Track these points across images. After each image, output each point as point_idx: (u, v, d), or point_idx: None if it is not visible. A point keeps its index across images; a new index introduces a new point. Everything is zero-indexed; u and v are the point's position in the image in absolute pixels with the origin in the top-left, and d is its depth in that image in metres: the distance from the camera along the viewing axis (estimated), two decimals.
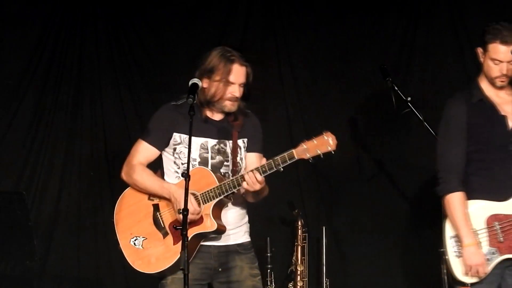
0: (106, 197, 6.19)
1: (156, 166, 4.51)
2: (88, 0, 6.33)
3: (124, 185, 6.41)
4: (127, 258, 4.43)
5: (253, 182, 4.19)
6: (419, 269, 5.84)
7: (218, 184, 4.28)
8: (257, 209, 4.71)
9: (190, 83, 4.28)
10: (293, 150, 4.16)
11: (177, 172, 4.39)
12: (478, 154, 4.39)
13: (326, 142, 4.11)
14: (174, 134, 4.41)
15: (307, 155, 4.13)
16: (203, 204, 4.29)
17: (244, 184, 4.21)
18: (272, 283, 5.83)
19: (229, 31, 6.24)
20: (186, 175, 4.03)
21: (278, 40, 6.18)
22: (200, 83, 4.29)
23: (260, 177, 4.19)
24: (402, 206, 6.00)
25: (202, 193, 4.29)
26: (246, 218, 4.55)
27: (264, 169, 4.20)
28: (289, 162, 4.17)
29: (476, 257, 4.33)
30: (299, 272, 5.82)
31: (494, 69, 4.36)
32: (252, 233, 4.58)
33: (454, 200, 4.38)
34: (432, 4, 6.01)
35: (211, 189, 4.28)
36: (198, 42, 6.23)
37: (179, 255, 4.05)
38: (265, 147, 4.51)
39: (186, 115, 4.22)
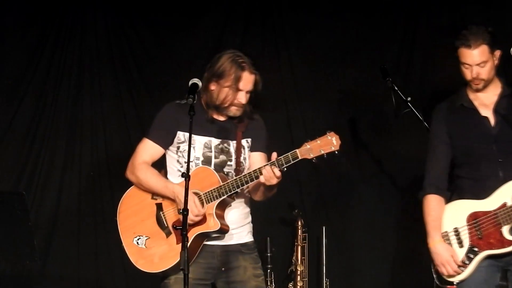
0: (106, 197, 6.19)
1: (160, 165, 4.51)
2: (88, 0, 6.33)
3: (125, 185, 6.40)
4: (130, 257, 4.43)
5: (270, 176, 4.18)
6: (420, 269, 5.82)
7: (221, 183, 4.28)
8: (257, 209, 4.70)
9: (190, 83, 4.28)
10: (297, 150, 4.17)
11: (180, 171, 4.37)
12: (465, 157, 4.50)
13: (330, 142, 4.13)
14: (178, 132, 4.42)
15: (311, 155, 4.14)
16: (206, 203, 4.29)
17: (261, 178, 4.20)
18: (272, 283, 5.84)
19: (229, 31, 6.24)
20: (186, 175, 4.05)
21: (278, 40, 6.18)
22: (200, 83, 4.30)
23: (278, 172, 4.18)
24: (402, 206, 5.99)
25: (205, 193, 4.30)
26: (250, 218, 4.56)
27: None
28: (292, 162, 4.18)
29: (439, 255, 4.46)
30: (299, 272, 5.82)
31: (466, 73, 4.47)
32: (252, 233, 4.58)
33: (424, 203, 4.58)
34: (432, 4, 6.01)
35: (214, 189, 4.29)
36: (198, 42, 6.24)
37: None
38: (269, 147, 4.49)
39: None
